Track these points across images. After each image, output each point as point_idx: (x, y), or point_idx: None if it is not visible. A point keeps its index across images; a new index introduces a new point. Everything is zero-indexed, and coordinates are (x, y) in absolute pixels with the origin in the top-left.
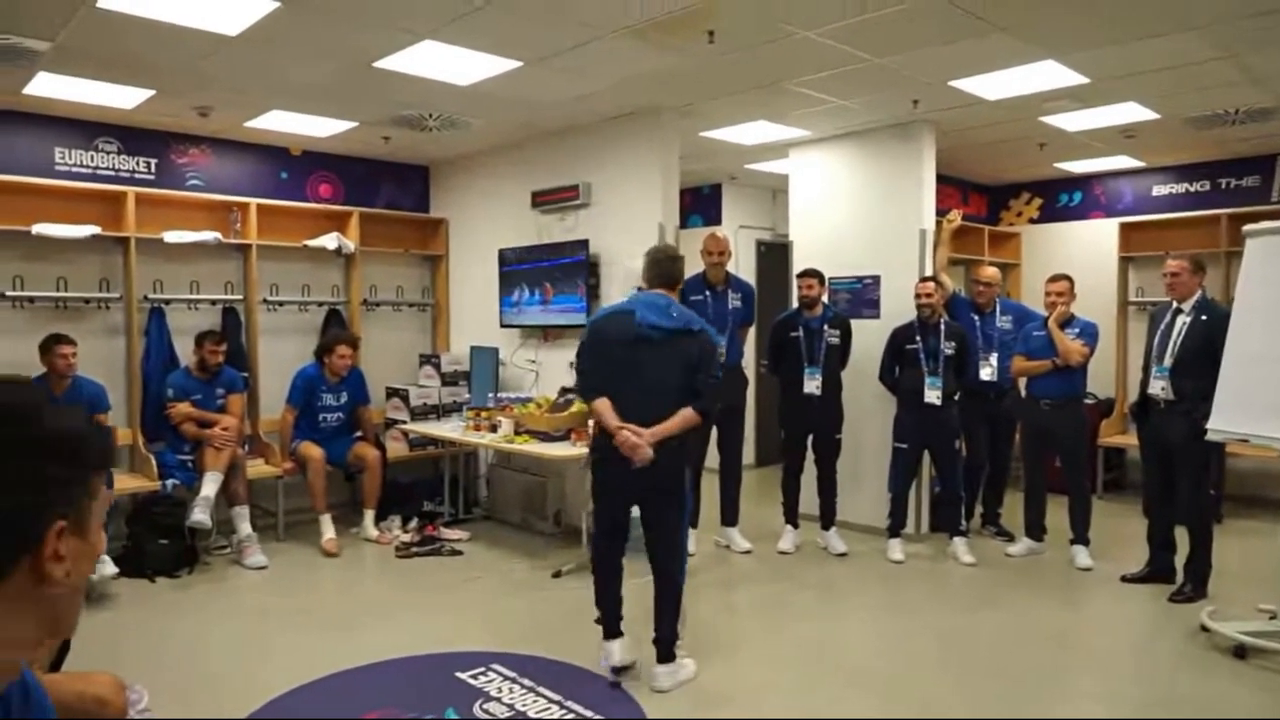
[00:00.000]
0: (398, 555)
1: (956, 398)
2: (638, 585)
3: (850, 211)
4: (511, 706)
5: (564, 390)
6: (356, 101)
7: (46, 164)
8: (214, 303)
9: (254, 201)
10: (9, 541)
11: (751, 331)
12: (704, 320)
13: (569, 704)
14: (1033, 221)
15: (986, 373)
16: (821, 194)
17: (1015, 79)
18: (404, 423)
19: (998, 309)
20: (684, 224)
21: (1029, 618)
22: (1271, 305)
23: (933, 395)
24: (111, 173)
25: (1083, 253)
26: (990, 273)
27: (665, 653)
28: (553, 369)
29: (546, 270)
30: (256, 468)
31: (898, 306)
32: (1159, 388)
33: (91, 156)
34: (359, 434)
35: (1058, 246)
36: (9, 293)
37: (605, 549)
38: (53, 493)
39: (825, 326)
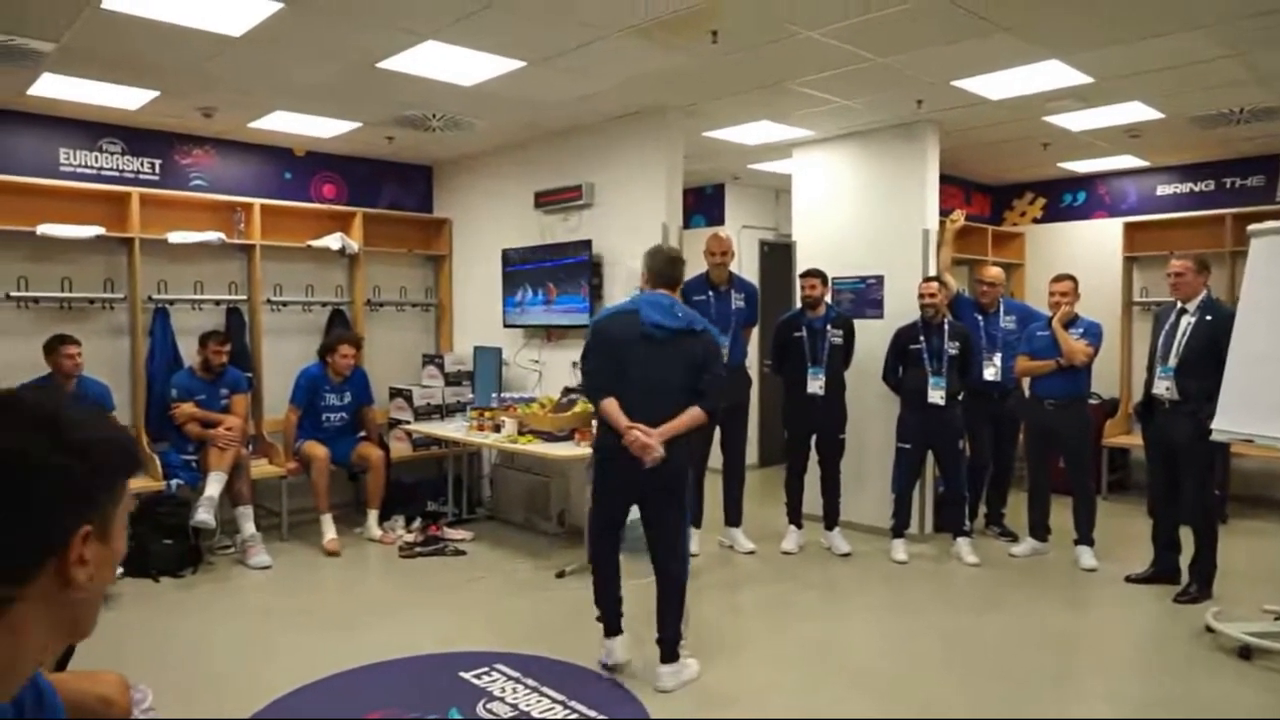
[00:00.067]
0: (401, 555)
1: (960, 398)
2: (640, 586)
3: (853, 211)
4: (515, 706)
5: (567, 390)
6: (360, 102)
7: (51, 165)
8: (218, 303)
9: (258, 202)
10: (36, 544)
11: (755, 332)
12: (706, 320)
13: (573, 704)
14: (1036, 221)
15: (990, 373)
16: (825, 194)
17: (1019, 79)
18: (408, 423)
19: (1001, 309)
20: (687, 224)
21: (1033, 618)
22: (1276, 305)
23: (936, 395)
24: (116, 173)
25: (1087, 253)
26: (994, 273)
27: (669, 653)
28: (556, 369)
29: (550, 270)
30: (260, 468)
31: (901, 306)
32: (1164, 388)
33: (96, 157)
34: (363, 434)
35: (1061, 246)
36: (14, 293)
37: (606, 548)
38: (80, 498)
39: (828, 327)
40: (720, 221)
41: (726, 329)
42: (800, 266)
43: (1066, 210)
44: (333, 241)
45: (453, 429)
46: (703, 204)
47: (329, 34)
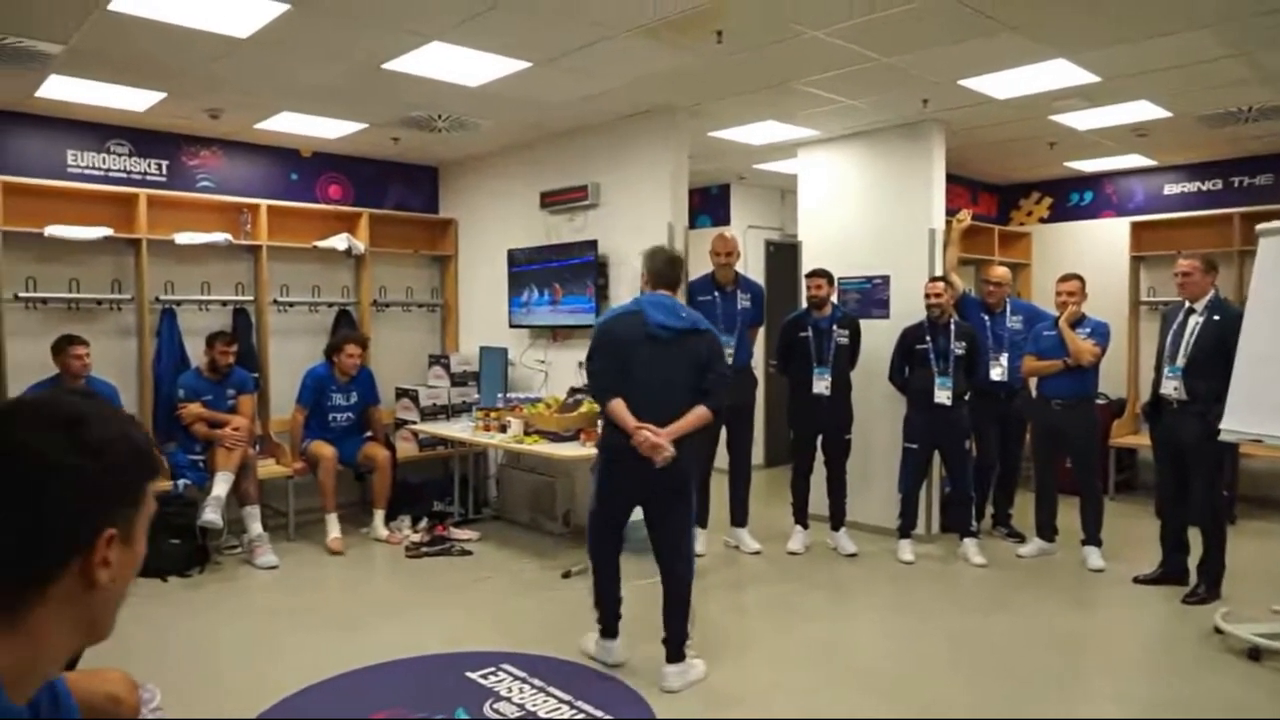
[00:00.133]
0: (408, 555)
1: (967, 398)
2: (645, 586)
3: (859, 211)
4: (522, 706)
5: (573, 390)
6: (366, 103)
7: (59, 166)
8: (225, 304)
9: (264, 203)
10: (63, 544)
11: (761, 332)
12: (714, 320)
13: (579, 704)
14: (1043, 221)
15: (997, 373)
16: (830, 194)
17: (1025, 78)
18: (414, 423)
19: (1008, 309)
20: (692, 224)
21: (1040, 619)
22: None
23: (943, 395)
24: (123, 175)
25: (1094, 252)
26: (1000, 272)
27: (675, 653)
28: (562, 369)
29: (555, 271)
30: (267, 468)
31: (907, 306)
32: (1171, 388)
33: (103, 159)
34: (369, 434)
35: (1068, 246)
36: (22, 294)
37: (609, 549)
38: (98, 498)
39: (834, 326)
40: (726, 221)
41: (732, 329)
42: (806, 266)
43: (1073, 210)
44: (339, 242)
45: (459, 429)
46: (708, 204)
47: (335, 35)
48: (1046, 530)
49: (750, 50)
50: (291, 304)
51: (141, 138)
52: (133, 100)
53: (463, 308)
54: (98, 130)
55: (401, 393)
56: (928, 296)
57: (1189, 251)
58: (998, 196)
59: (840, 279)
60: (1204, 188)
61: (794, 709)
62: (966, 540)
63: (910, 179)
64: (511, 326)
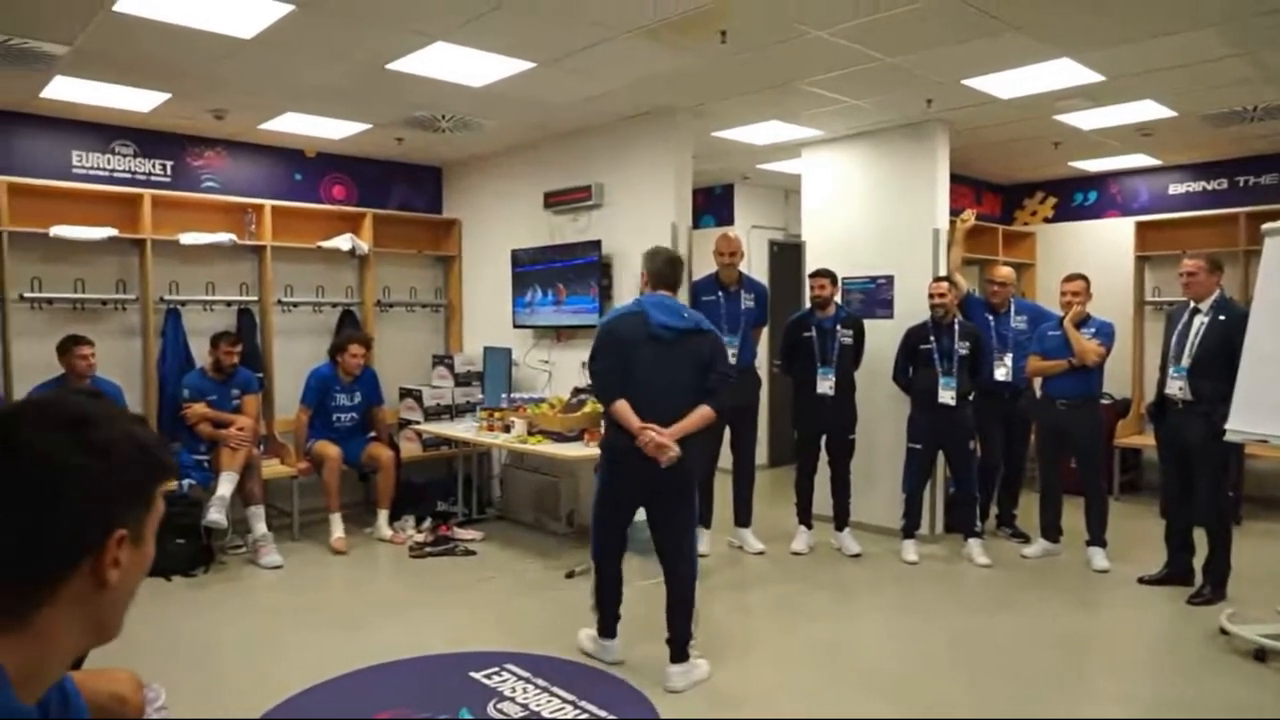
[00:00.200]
0: (411, 555)
1: (971, 398)
2: (648, 587)
3: (863, 211)
4: (525, 706)
5: (577, 390)
6: (370, 103)
7: (64, 167)
8: (229, 304)
9: (268, 203)
10: (73, 545)
11: (765, 332)
12: (718, 320)
13: (583, 704)
14: (1047, 221)
15: (1001, 373)
16: (834, 194)
17: (1029, 77)
18: (418, 423)
19: (1012, 309)
20: (696, 224)
21: (1044, 620)
22: None
23: (947, 395)
24: (128, 175)
25: (1098, 252)
26: (1004, 272)
27: (679, 652)
28: (566, 369)
29: (559, 271)
30: (272, 468)
31: (911, 307)
32: (1176, 388)
33: (108, 159)
34: (373, 434)
35: (1073, 246)
36: (27, 294)
37: (613, 550)
38: (117, 501)
39: (838, 327)
40: (729, 222)
41: (736, 329)
42: (810, 266)
43: (1078, 210)
44: (343, 242)
45: (462, 429)
46: (712, 204)
47: (339, 36)
48: (1051, 531)
49: (754, 50)
50: (296, 304)
51: (146, 138)
52: (137, 101)
53: (467, 308)
54: (103, 131)
55: (405, 393)
56: (932, 296)
57: (1194, 251)
58: (1002, 196)
59: (844, 279)
60: (1209, 187)
61: (798, 709)
62: (971, 541)
63: (914, 179)
64: (515, 327)
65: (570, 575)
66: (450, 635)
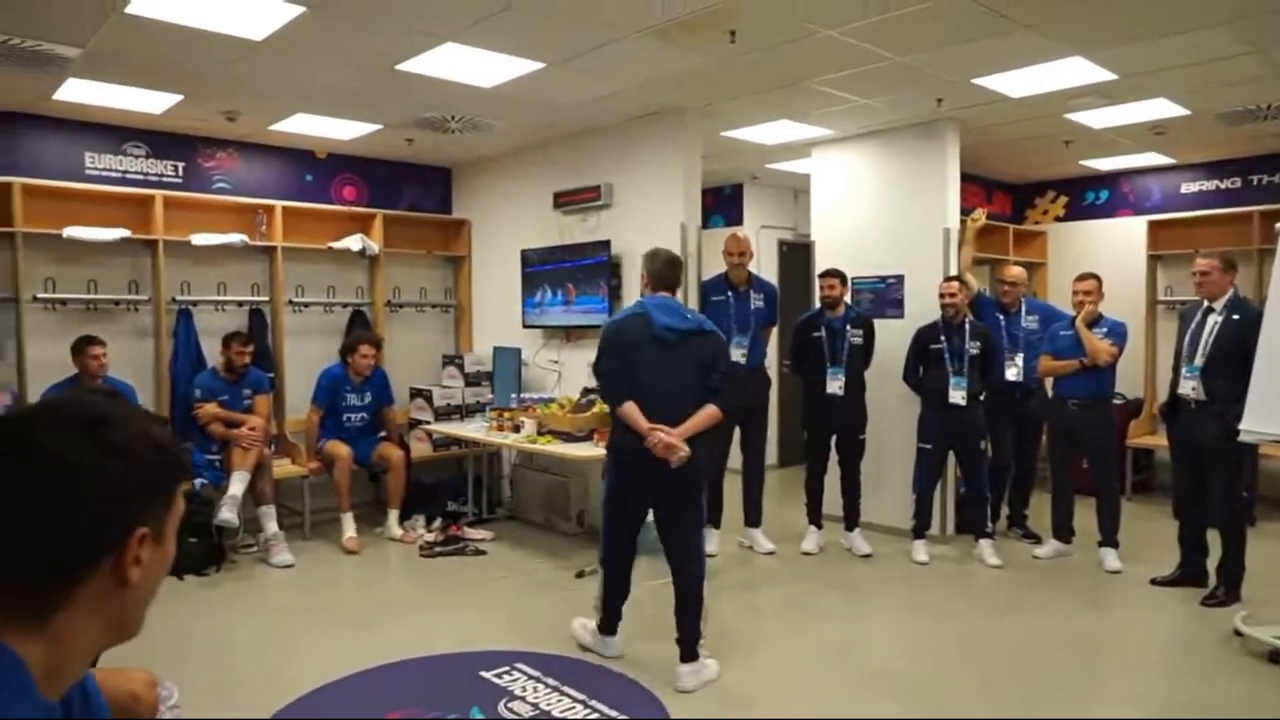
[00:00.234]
0: (422, 555)
1: (982, 398)
2: (656, 587)
3: (873, 211)
4: (536, 705)
5: (586, 390)
6: (380, 104)
7: (77, 168)
8: (240, 304)
9: (279, 204)
10: (92, 544)
11: (774, 332)
12: (728, 320)
13: (593, 703)
14: (1058, 220)
15: (1012, 373)
16: (844, 193)
17: (1040, 76)
18: (428, 423)
19: (1023, 308)
20: (705, 224)
21: (1056, 621)
22: None
23: (957, 395)
24: (140, 176)
25: (1110, 251)
26: (1015, 272)
27: (689, 652)
28: (575, 369)
29: (569, 271)
30: (283, 467)
31: (922, 306)
32: (1190, 388)
33: (121, 160)
34: (383, 434)
35: (1084, 245)
36: (41, 294)
37: (625, 552)
38: (135, 500)
39: (848, 326)
40: (739, 221)
41: (746, 329)
42: (819, 266)
43: (1089, 208)
44: (353, 243)
45: (472, 429)
46: (721, 204)
47: (349, 37)
48: (1063, 531)
49: (763, 50)
50: (306, 304)
51: (158, 140)
52: (150, 102)
53: (476, 308)
54: (115, 132)
55: (415, 393)
56: (942, 296)
57: (1207, 250)
58: (1013, 195)
59: (854, 279)
60: (1222, 186)
61: (808, 709)
62: (981, 541)
63: (924, 178)
64: (525, 327)
65: (580, 575)
66: (461, 635)
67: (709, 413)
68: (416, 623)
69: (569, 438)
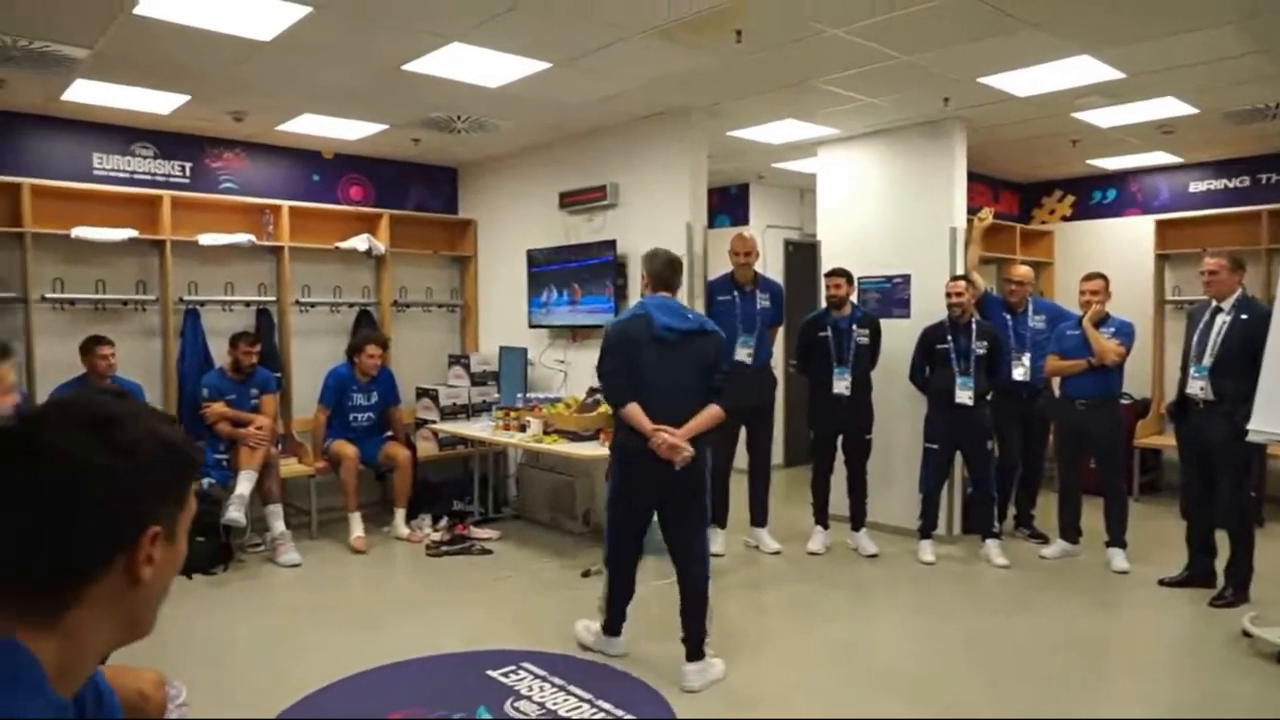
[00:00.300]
0: (428, 554)
1: (989, 398)
2: (661, 587)
3: (879, 210)
4: (542, 705)
5: (592, 390)
6: (386, 104)
7: (85, 169)
8: (248, 304)
9: (286, 204)
10: (103, 543)
11: (780, 331)
12: (734, 320)
13: (599, 703)
14: (1065, 219)
15: (1019, 372)
16: (850, 193)
17: (1048, 75)
18: (434, 422)
19: (1030, 308)
20: (711, 224)
21: (1063, 621)
22: None
23: (964, 395)
24: (148, 177)
25: (1118, 250)
26: (1022, 271)
27: (695, 651)
28: (581, 369)
29: (574, 271)
30: (289, 467)
31: (928, 306)
32: (1198, 388)
33: (128, 161)
34: (390, 434)
35: (1092, 244)
36: (50, 295)
37: (630, 554)
38: (145, 499)
39: (854, 326)
40: (745, 221)
41: (752, 329)
42: (825, 266)
43: (1097, 208)
44: (360, 243)
45: (479, 429)
46: (727, 204)
47: (356, 37)
48: (1070, 531)
49: (769, 49)
50: (313, 304)
51: (166, 140)
52: (157, 103)
53: (482, 308)
54: (123, 133)
55: (422, 392)
56: (949, 296)
57: (1215, 249)
58: (1019, 194)
59: (860, 278)
60: (1230, 185)
61: (814, 709)
62: (988, 541)
63: (931, 177)
64: (531, 326)
65: (586, 574)
66: (467, 634)
67: (712, 413)
68: (423, 622)
69: (575, 437)
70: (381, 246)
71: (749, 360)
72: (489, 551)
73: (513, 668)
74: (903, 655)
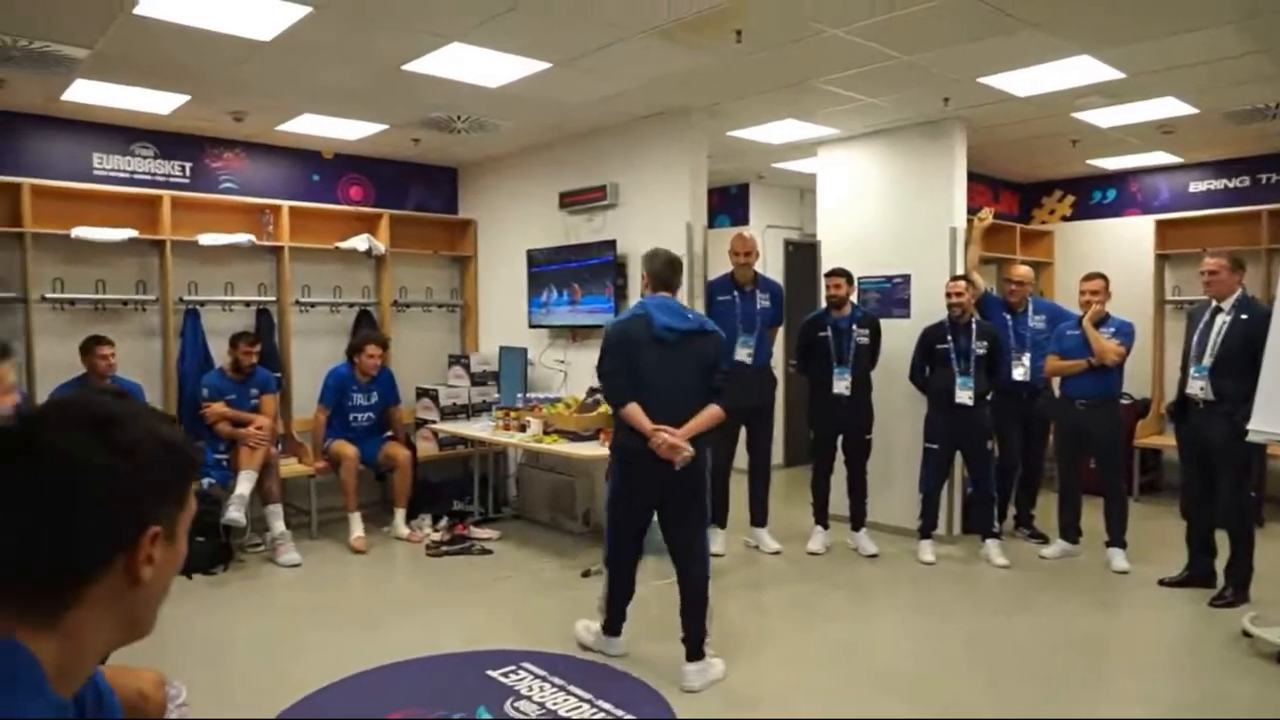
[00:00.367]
0: (428, 554)
1: (989, 398)
2: (662, 587)
3: (879, 210)
4: (542, 705)
5: (592, 390)
6: (386, 104)
7: (85, 169)
8: (248, 304)
9: (286, 204)
10: (103, 543)
11: (780, 331)
12: (734, 320)
13: (599, 703)
14: (1066, 219)
15: (1019, 372)
16: (850, 193)
17: (1048, 75)
18: (434, 422)
19: (1030, 308)
20: (711, 224)
21: (1063, 621)
22: None
23: (964, 395)
24: (148, 177)
25: (1118, 250)
26: (1022, 271)
27: (695, 650)
28: (581, 369)
29: (574, 271)
30: (289, 467)
31: (928, 306)
32: (1198, 388)
33: (129, 161)
34: (390, 434)
35: (1092, 244)
36: (49, 295)
37: (630, 554)
38: (145, 499)
39: (854, 326)
40: (745, 221)
41: (752, 329)
42: (825, 266)
43: (1096, 208)
44: (360, 243)
45: (479, 429)
46: (727, 204)
47: (356, 37)
48: (1070, 531)
49: (769, 49)
50: (313, 304)
51: (166, 140)
52: (157, 103)
53: (482, 308)
54: (123, 133)
55: (422, 392)
56: (949, 296)
57: (1215, 249)
58: (1019, 194)
59: (860, 278)
60: (1230, 185)
61: (814, 709)
62: (988, 541)
63: (931, 177)
64: (531, 326)
65: (586, 574)
66: (467, 634)
67: (711, 413)
68: (423, 622)
69: (575, 437)
70: (381, 246)
71: (749, 360)
72: (489, 551)
73: (513, 668)
74: (903, 655)
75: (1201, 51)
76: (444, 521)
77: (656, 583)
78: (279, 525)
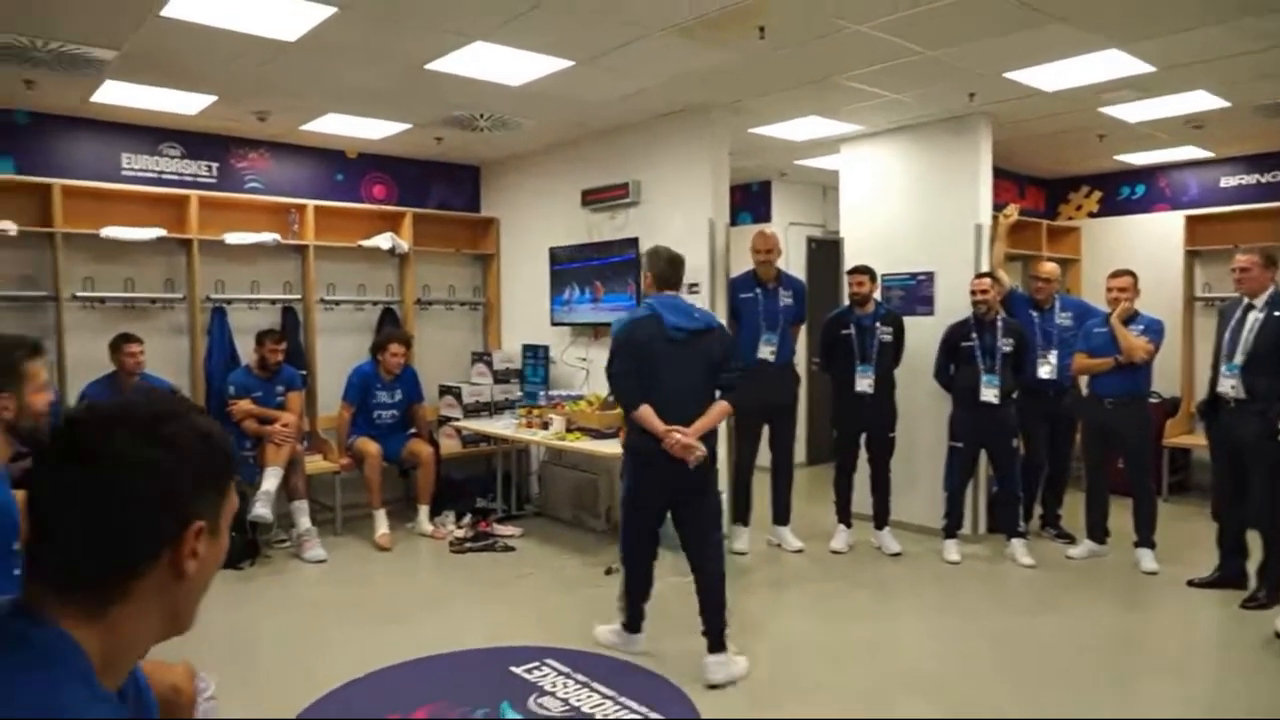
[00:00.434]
0: (452, 550)
1: (1015, 396)
2: (680, 583)
3: (903, 207)
4: (566, 701)
5: None
6: (410, 103)
7: (114, 169)
8: (273, 302)
9: (311, 203)
10: (153, 539)
11: (803, 329)
12: (756, 317)
13: (622, 699)
14: (1093, 215)
15: (1045, 370)
16: (873, 189)
17: (1075, 69)
18: (457, 420)
19: (1057, 305)
20: (734, 221)
21: (1089, 621)
22: None
23: (989, 393)
24: (175, 177)
25: (1146, 247)
26: (1049, 268)
27: (716, 642)
28: (603, 367)
29: (597, 269)
30: (315, 463)
31: (953, 303)
32: (1229, 386)
33: (156, 161)
34: (413, 431)
35: (1119, 241)
36: (80, 293)
37: (646, 551)
38: (192, 494)
39: (877, 324)
40: (767, 218)
41: (774, 326)
42: (848, 263)
43: (1124, 204)
44: (383, 241)
45: (501, 426)
46: (749, 201)
47: (379, 37)
48: (1097, 531)
49: (793, 46)
50: (338, 302)
51: (192, 140)
52: (184, 104)
53: (505, 306)
54: (150, 134)
55: (445, 390)
56: (974, 293)
57: (1247, 246)
58: (1046, 190)
59: (884, 275)
60: (1262, 179)
61: (837, 709)
62: (1014, 541)
63: (956, 173)
64: (553, 324)
65: (609, 572)
66: (490, 630)
67: (721, 408)
68: (447, 618)
69: (597, 434)
70: (405, 245)
71: (772, 358)
72: (512, 548)
73: (536, 664)
74: (927, 655)
75: (1233, 44)
76: (467, 518)
77: (674, 579)
78: (305, 521)
